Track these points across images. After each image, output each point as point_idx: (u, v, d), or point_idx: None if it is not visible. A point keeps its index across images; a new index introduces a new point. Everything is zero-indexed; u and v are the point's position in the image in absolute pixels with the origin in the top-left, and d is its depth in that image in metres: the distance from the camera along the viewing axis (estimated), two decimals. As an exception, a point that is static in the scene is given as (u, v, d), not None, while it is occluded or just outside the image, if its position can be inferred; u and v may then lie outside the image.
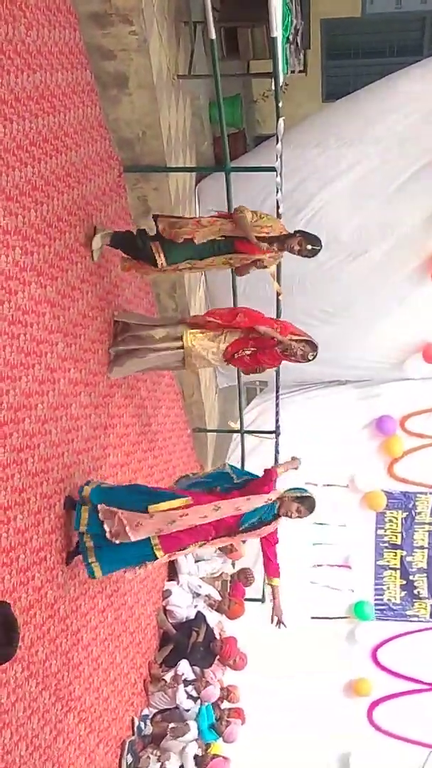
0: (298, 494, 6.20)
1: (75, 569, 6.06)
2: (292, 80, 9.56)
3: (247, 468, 10.33)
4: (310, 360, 6.81)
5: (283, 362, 7.08)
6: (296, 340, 6.71)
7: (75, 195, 6.20)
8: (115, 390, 7.16)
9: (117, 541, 5.83)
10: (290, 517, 6.20)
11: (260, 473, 6.49)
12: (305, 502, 6.19)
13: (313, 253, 6.61)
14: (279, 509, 6.18)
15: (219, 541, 6.43)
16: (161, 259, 6.51)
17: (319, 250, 6.64)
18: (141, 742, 7.55)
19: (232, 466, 6.67)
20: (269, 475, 6.23)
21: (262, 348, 6.81)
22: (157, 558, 6.15)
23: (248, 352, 6.83)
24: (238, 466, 10.48)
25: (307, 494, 6.24)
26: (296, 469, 6.75)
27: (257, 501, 6.05)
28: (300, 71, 9.23)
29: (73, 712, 6.07)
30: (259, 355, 6.86)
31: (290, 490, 6.27)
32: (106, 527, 5.82)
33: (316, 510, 6.32)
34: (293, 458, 6.79)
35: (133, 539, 5.80)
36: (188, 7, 7.78)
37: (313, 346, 6.71)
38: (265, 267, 6.75)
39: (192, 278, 8.77)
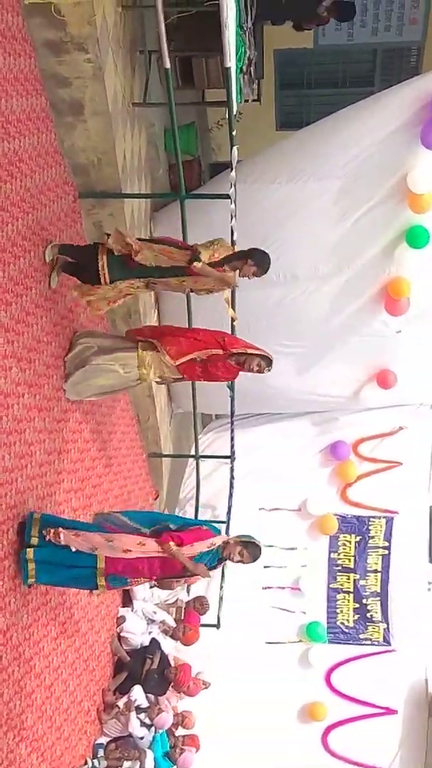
0: (245, 539, 6.25)
1: (28, 596, 6.01)
2: (246, 109, 9.69)
3: (202, 492, 10.44)
4: (264, 374, 6.90)
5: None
6: (252, 354, 6.78)
7: (30, 220, 6.21)
8: (70, 415, 7.14)
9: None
10: (232, 560, 6.25)
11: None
12: (249, 547, 6.22)
13: (266, 271, 6.68)
14: (223, 551, 6.21)
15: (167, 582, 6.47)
16: (104, 270, 6.50)
17: (269, 265, 6.71)
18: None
19: (170, 517, 6.64)
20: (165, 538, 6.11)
21: (213, 360, 6.87)
22: (96, 588, 6.23)
23: (198, 359, 6.87)
24: (194, 490, 10.54)
25: (254, 541, 6.27)
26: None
27: (200, 546, 6.10)
28: (254, 100, 9.35)
29: (26, 741, 5.99)
30: (210, 368, 6.91)
31: (238, 536, 6.34)
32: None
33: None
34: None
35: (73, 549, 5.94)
36: (143, 36, 7.87)
37: (269, 361, 6.82)
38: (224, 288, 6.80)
39: (147, 304, 8.80)
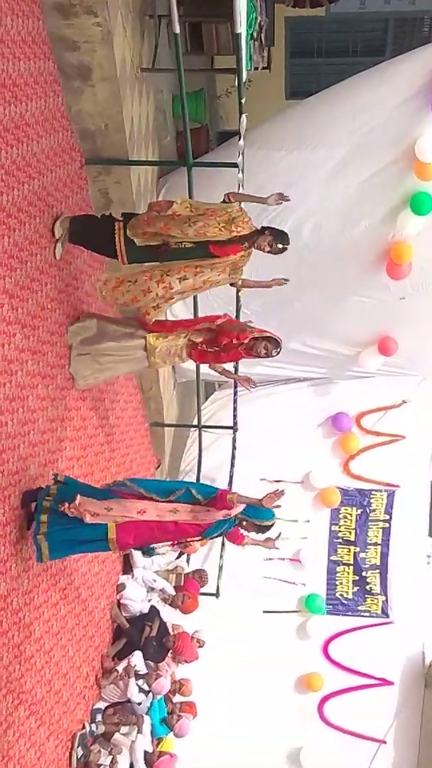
0: (257, 522, 6.26)
1: (29, 561, 6.04)
2: (256, 77, 9.58)
3: (203, 463, 10.45)
4: (273, 356, 6.87)
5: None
6: (259, 338, 6.74)
7: (36, 186, 6.16)
8: (73, 383, 7.13)
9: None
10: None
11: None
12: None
13: (282, 251, 6.64)
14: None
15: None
16: (122, 248, 6.47)
17: (287, 247, 6.67)
18: (91, 738, 7.53)
19: (196, 486, 6.64)
20: (222, 502, 6.15)
21: (226, 348, 6.84)
22: (110, 551, 6.26)
23: (211, 350, 6.85)
24: (195, 460, 10.55)
25: (267, 524, 6.29)
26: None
27: (217, 515, 6.12)
28: (264, 68, 9.25)
29: (24, 704, 6.04)
30: (222, 356, 6.89)
31: (250, 515, 6.28)
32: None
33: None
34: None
35: (87, 521, 5.90)
36: (153, 1, 7.77)
37: (276, 343, 6.76)
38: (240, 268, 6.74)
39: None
